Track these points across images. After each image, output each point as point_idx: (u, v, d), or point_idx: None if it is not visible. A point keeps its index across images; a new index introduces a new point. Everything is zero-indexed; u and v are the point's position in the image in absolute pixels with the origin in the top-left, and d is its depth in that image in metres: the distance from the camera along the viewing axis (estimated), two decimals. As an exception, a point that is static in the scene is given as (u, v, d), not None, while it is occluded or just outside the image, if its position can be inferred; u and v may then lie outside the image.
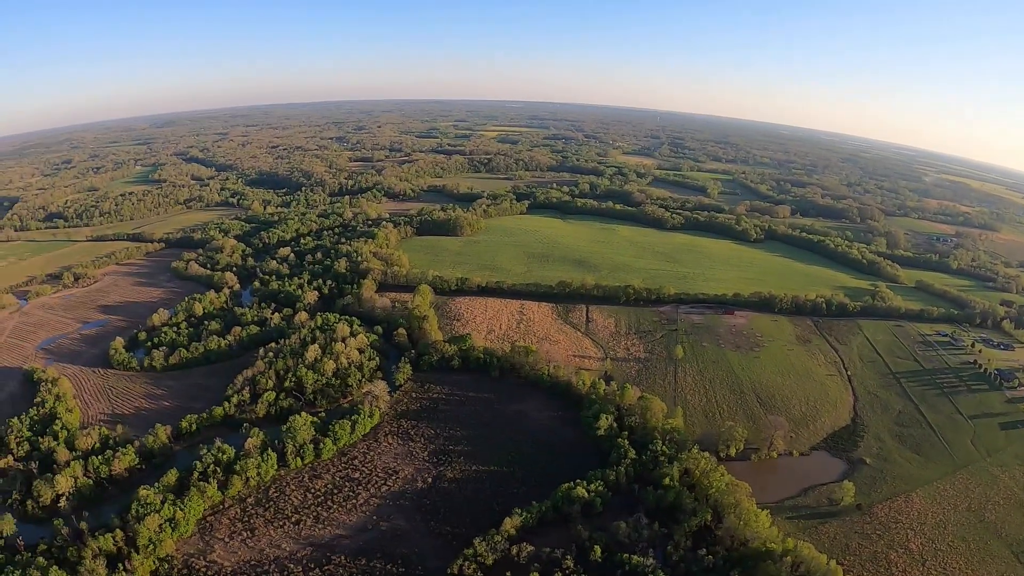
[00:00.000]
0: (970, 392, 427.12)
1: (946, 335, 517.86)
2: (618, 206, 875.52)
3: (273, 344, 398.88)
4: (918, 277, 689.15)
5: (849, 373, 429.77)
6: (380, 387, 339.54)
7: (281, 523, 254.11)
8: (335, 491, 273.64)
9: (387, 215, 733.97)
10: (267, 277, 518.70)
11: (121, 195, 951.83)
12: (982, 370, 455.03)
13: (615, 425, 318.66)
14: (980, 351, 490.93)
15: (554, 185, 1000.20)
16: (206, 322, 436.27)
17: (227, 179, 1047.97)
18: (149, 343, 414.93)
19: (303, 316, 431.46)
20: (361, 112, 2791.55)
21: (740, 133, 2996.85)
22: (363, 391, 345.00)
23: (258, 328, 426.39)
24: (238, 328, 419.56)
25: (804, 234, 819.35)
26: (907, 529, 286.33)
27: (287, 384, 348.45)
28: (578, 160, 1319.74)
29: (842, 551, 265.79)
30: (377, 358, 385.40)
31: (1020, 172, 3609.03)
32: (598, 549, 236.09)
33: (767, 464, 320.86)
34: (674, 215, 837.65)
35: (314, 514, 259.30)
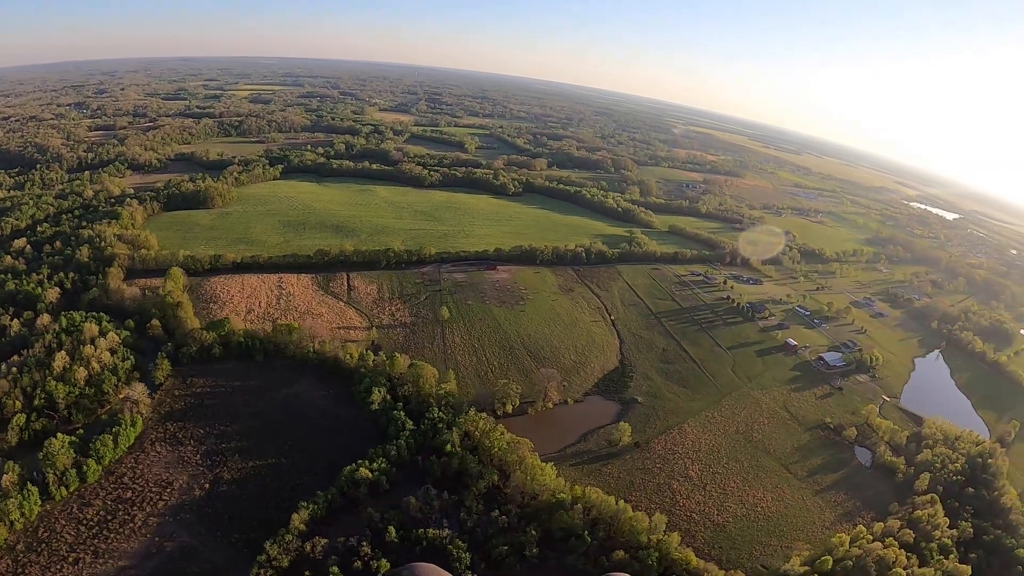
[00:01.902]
0: (726, 325, 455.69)
1: (700, 274, 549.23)
2: (375, 166, 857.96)
3: (16, 357, 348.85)
4: (671, 222, 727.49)
5: (613, 318, 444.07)
6: (139, 389, 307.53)
7: (59, 567, 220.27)
8: (109, 517, 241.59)
9: (132, 190, 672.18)
10: (2, 276, 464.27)
11: None
12: (735, 304, 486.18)
13: (389, 397, 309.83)
14: (732, 287, 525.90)
15: (309, 147, 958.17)
16: None
17: None
18: None
19: (46, 319, 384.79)
20: (103, 73, 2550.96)
21: (498, 88, 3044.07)
22: (121, 397, 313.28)
23: None
24: None
25: (561, 186, 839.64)
26: (684, 459, 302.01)
27: (37, 402, 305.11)
28: (333, 119, 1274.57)
29: (627, 488, 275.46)
30: (132, 357, 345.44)
31: (761, 123, 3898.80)
32: (392, 529, 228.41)
33: (545, 416, 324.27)
34: (432, 172, 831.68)
35: (92, 548, 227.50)
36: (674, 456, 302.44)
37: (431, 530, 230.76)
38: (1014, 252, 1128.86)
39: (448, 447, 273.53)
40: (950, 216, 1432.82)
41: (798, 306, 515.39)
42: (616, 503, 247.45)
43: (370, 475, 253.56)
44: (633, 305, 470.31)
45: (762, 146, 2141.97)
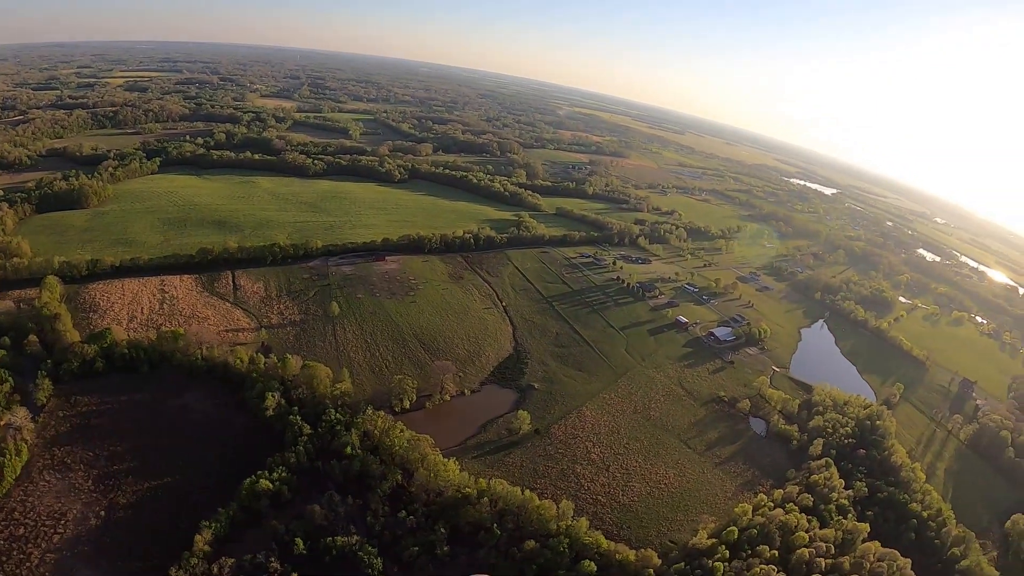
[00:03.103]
0: (617, 306, 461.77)
1: (589, 256, 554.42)
2: (257, 156, 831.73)
3: None
4: (558, 204, 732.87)
5: (504, 304, 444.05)
6: (21, 414, 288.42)
7: None
8: (3, 557, 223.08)
9: (1, 192, 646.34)
10: None
11: None
12: (625, 285, 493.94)
13: (283, 401, 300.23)
14: (621, 267, 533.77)
15: (188, 137, 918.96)
16: None
17: None
18: None
19: None
20: None
21: (382, 72, 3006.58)
22: (2, 424, 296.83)
23: None
24: None
25: (448, 171, 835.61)
26: (586, 442, 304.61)
27: None
28: (213, 107, 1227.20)
29: (532, 477, 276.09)
30: (10, 378, 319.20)
31: (644, 104, 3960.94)
32: (299, 541, 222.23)
33: (443, 409, 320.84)
34: (316, 161, 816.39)
35: None
36: (575, 440, 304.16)
37: (339, 538, 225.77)
38: (890, 224, 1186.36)
39: (348, 449, 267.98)
40: (828, 191, 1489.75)
41: (687, 284, 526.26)
42: (522, 493, 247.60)
43: (271, 486, 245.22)
44: (524, 290, 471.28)
45: (646, 127, 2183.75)
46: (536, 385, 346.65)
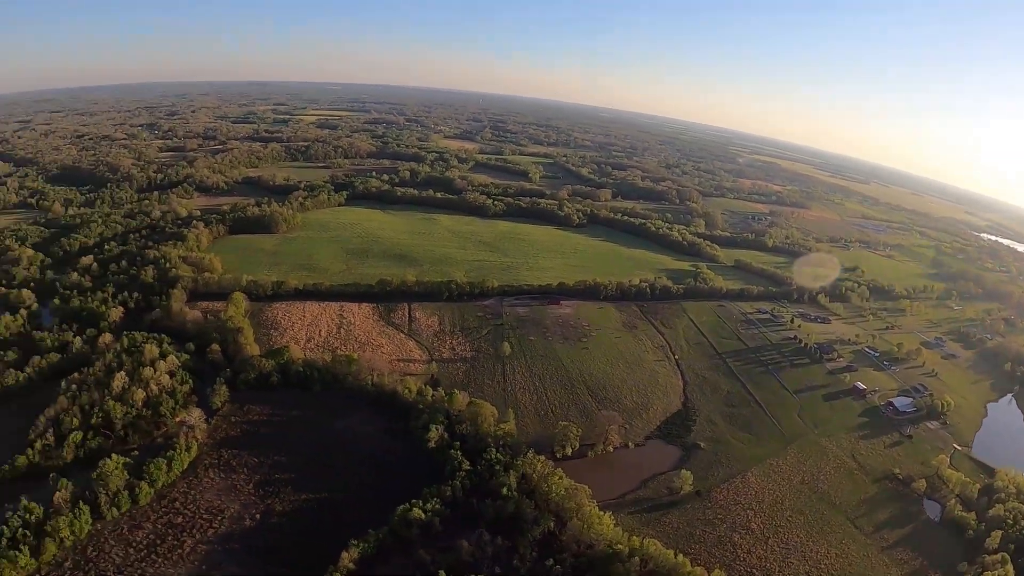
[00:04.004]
0: (793, 367, 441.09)
1: (766, 312, 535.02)
2: (439, 194, 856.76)
3: (76, 374, 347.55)
4: (736, 256, 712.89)
5: (677, 357, 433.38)
6: (196, 415, 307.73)
7: None
8: (158, 541, 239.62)
9: (199, 212, 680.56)
10: (68, 292, 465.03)
11: None
12: (802, 345, 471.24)
13: (446, 435, 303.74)
14: (799, 326, 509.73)
15: (374, 173, 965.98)
16: (2, 352, 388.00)
17: (27, 176, 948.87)
18: None
19: (107, 338, 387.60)
20: (176, 95, 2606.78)
21: (562, 116, 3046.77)
22: (177, 420, 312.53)
23: (59, 355, 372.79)
24: (38, 357, 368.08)
25: (626, 217, 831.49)
26: (747, 510, 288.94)
27: (94, 421, 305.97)
28: (399, 146, 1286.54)
29: (687, 540, 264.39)
30: (191, 380, 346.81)
31: (825, 151, 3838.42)
32: (443, 574, 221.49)
33: (604, 459, 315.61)
34: (496, 202, 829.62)
35: (139, 572, 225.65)
36: (736, 507, 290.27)
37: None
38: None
39: (504, 490, 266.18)
40: (1022, 248, 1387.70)
41: (867, 347, 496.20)
42: (675, 557, 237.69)
43: (423, 516, 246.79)
44: (698, 344, 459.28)
45: (828, 175, 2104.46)
46: (702, 444, 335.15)
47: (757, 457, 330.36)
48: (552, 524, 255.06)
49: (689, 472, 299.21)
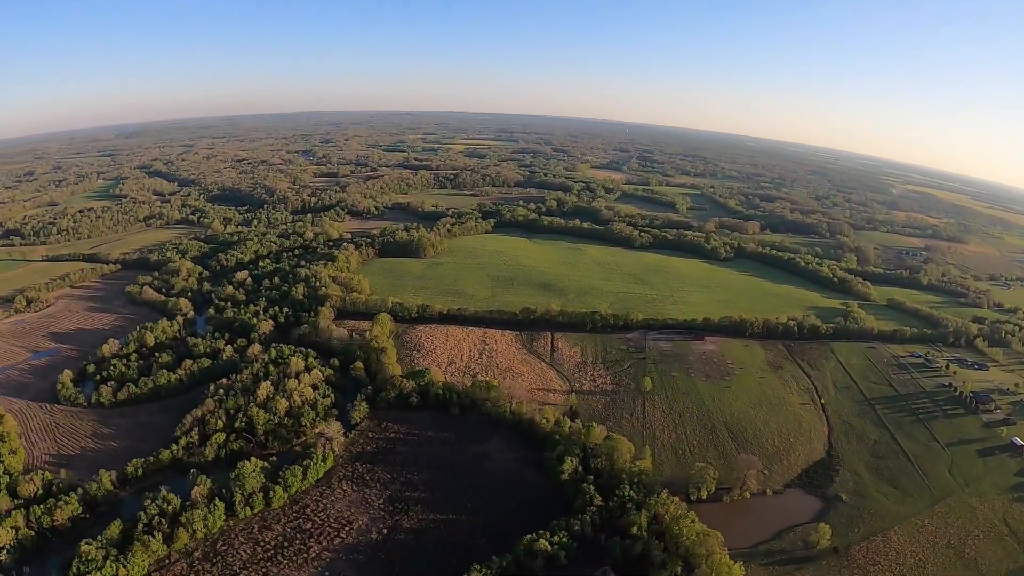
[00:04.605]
0: (946, 417, 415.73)
1: (920, 356, 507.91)
2: (586, 224, 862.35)
3: (225, 380, 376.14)
4: (890, 294, 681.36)
5: (823, 401, 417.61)
6: (334, 428, 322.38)
7: None
8: (286, 544, 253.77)
9: (349, 235, 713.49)
10: (223, 304, 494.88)
11: (80, 211, 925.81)
12: (957, 393, 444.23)
13: (580, 468, 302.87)
14: (955, 372, 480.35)
15: (521, 202, 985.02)
16: (157, 353, 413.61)
17: (189, 195, 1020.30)
18: (98, 377, 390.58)
19: (256, 348, 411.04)
20: (330, 124, 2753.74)
21: (708, 146, 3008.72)
22: (316, 431, 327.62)
23: (210, 361, 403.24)
24: (189, 361, 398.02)
25: (774, 251, 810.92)
26: (886, 571, 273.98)
27: (238, 424, 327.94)
28: (546, 175, 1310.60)
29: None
30: (332, 395, 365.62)
31: (982, 180, 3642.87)
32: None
33: (739, 505, 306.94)
34: (642, 233, 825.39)
35: (263, 570, 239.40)
36: (875, 567, 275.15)
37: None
38: None
39: (634, 529, 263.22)
40: None
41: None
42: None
43: (549, 548, 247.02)
44: (846, 388, 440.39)
45: (986, 206, 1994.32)
46: (844, 497, 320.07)
47: (902, 515, 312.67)
48: (680, 569, 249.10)
49: (828, 526, 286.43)
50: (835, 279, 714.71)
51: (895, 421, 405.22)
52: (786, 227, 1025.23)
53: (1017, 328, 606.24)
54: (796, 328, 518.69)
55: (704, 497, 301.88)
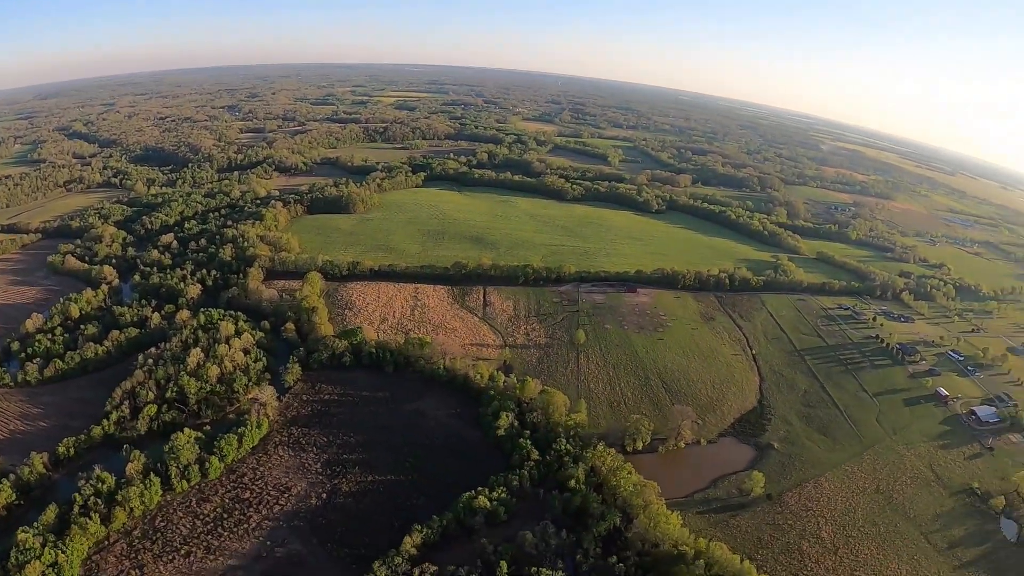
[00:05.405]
0: (873, 368, 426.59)
1: (848, 308, 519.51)
2: (517, 177, 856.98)
3: (153, 349, 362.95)
4: (819, 248, 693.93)
5: (754, 352, 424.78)
6: (268, 393, 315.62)
7: (171, 557, 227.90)
8: (225, 515, 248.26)
9: (277, 192, 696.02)
10: (148, 269, 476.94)
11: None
12: (884, 344, 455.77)
13: (516, 423, 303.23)
14: (881, 324, 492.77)
15: (451, 155, 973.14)
16: (83, 326, 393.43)
17: (111, 156, 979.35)
18: (23, 354, 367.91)
19: (185, 314, 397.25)
20: (256, 78, 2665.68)
21: (642, 99, 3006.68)
22: (249, 397, 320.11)
23: (137, 330, 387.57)
24: (116, 331, 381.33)
25: (706, 204, 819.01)
26: (818, 517, 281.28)
27: (169, 395, 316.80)
28: (477, 128, 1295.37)
29: (755, 545, 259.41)
30: (264, 358, 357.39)
31: (912, 140, 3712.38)
32: (504, 564, 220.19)
33: (675, 456, 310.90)
34: (574, 185, 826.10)
35: (204, 543, 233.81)
36: (807, 513, 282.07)
37: (544, 570, 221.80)
38: None
39: (572, 482, 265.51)
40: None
41: (951, 350, 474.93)
42: (740, 563, 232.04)
43: (488, 504, 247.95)
44: (776, 339, 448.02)
45: (914, 165, 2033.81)
46: (776, 445, 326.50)
47: (832, 462, 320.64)
48: (618, 520, 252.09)
49: (761, 474, 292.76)
50: (766, 232, 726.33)
51: (824, 371, 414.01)
52: (718, 180, 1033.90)
53: (942, 283, 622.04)
54: (728, 280, 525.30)
55: (640, 448, 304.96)
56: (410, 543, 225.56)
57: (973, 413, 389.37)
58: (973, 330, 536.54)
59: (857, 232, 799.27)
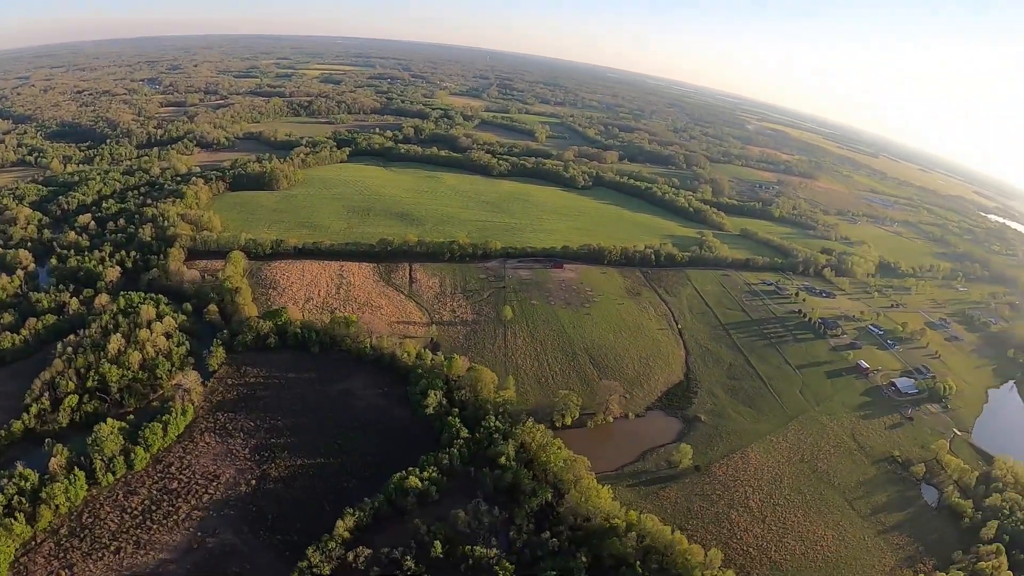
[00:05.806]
0: (796, 341, 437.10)
1: (771, 284, 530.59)
2: (444, 152, 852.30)
3: (72, 336, 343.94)
4: (743, 225, 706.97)
5: (680, 326, 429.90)
6: (191, 377, 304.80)
7: (100, 554, 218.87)
8: (153, 507, 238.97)
9: (198, 169, 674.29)
10: (65, 252, 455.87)
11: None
12: (806, 319, 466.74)
13: (445, 401, 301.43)
14: (804, 299, 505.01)
15: (377, 130, 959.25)
16: None
17: (25, 133, 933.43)
18: None
19: (104, 298, 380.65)
20: (178, 49, 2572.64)
21: (570, 75, 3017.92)
22: (173, 383, 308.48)
23: (55, 317, 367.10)
24: (34, 319, 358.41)
25: (632, 181, 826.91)
26: (746, 486, 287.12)
27: (90, 384, 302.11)
28: (403, 102, 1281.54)
29: (685, 516, 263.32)
30: (187, 342, 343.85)
31: (835, 122, 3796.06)
32: (438, 544, 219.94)
33: (604, 430, 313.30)
34: (501, 161, 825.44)
35: (134, 538, 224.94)
36: (735, 483, 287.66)
37: (479, 548, 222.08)
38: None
39: (503, 459, 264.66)
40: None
41: (871, 324, 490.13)
42: (672, 533, 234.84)
43: (419, 484, 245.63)
44: (701, 314, 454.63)
45: (836, 146, 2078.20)
46: (703, 417, 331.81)
47: (758, 433, 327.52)
48: (550, 496, 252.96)
49: (689, 446, 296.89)
50: (691, 209, 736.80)
51: (749, 345, 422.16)
52: (644, 157, 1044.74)
53: (862, 260, 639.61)
54: (653, 256, 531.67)
55: (569, 424, 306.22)
56: (343, 527, 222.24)
57: (893, 385, 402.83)
58: (892, 306, 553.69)
59: (780, 210, 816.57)
